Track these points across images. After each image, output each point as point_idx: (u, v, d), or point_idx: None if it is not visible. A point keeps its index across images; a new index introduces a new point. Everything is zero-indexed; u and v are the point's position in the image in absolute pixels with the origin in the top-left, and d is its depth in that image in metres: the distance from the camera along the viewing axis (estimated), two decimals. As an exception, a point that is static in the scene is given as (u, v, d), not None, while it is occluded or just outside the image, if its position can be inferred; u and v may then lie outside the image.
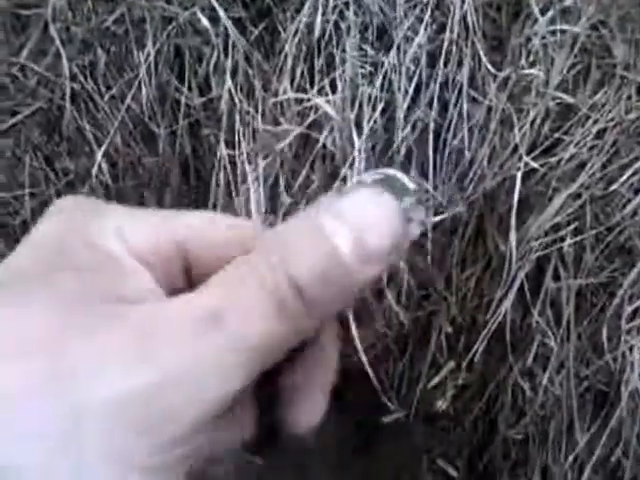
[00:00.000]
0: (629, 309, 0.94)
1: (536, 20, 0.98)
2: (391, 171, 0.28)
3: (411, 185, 0.27)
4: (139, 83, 1.05)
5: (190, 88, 1.05)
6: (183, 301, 0.25)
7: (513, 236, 0.93)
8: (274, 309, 0.24)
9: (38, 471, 0.22)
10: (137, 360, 0.23)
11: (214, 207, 0.99)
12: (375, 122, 0.96)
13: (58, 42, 1.06)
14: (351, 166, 0.93)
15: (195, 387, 0.23)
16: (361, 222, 0.24)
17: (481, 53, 0.98)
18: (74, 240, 0.26)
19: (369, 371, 0.97)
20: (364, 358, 0.96)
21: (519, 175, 0.94)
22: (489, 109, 0.97)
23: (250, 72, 1.02)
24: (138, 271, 0.27)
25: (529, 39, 0.98)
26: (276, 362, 0.25)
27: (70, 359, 0.23)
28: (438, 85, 0.98)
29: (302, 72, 0.99)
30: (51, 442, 0.22)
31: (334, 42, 1.00)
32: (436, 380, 0.99)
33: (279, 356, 0.25)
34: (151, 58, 1.05)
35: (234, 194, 0.98)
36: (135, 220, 0.28)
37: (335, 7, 0.99)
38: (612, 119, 0.95)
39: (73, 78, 1.06)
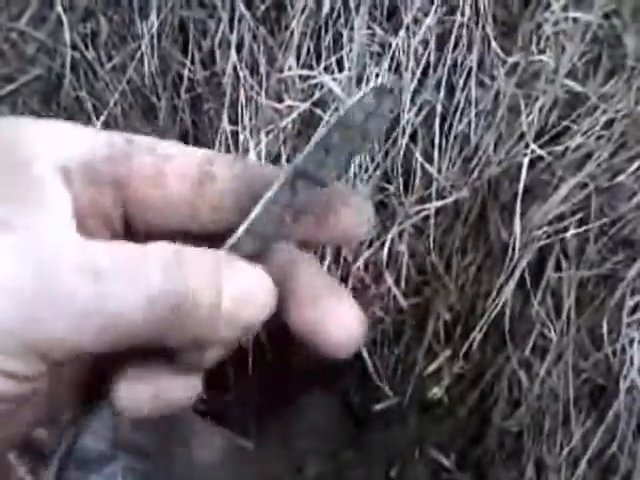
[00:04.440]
0: (630, 302, 0.92)
1: (548, 6, 0.96)
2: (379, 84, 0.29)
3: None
4: (141, 54, 1.03)
5: (193, 61, 1.03)
6: (76, 246, 0.25)
7: (517, 223, 0.92)
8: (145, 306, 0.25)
9: None
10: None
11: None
12: (381, 102, 0.94)
13: (60, 9, 1.03)
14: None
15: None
16: (240, 295, 0.26)
17: (491, 37, 0.96)
18: None
19: (365, 355, 0.95)
20: (360, 341, 0.94)
21: (525, 162, 0.92)
22: (497, 94, 0.96)
23: (255, 47, 1.00)
24: (55, 197, 0.25)
25: (540, 25, 0.96)
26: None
27: None
28: (446, 68, 0.96)
29: (308, 49, 0.98)
30: None
31: (342, 20, 0.98)
32: (432, 367, 0.97)
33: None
34: (154, 29, 1.02)
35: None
36: (72, 142, 0.27)
37: (345, -16, 0.97)
38: (621, 110, 0.94)
39: (74, 46, 1.04)
